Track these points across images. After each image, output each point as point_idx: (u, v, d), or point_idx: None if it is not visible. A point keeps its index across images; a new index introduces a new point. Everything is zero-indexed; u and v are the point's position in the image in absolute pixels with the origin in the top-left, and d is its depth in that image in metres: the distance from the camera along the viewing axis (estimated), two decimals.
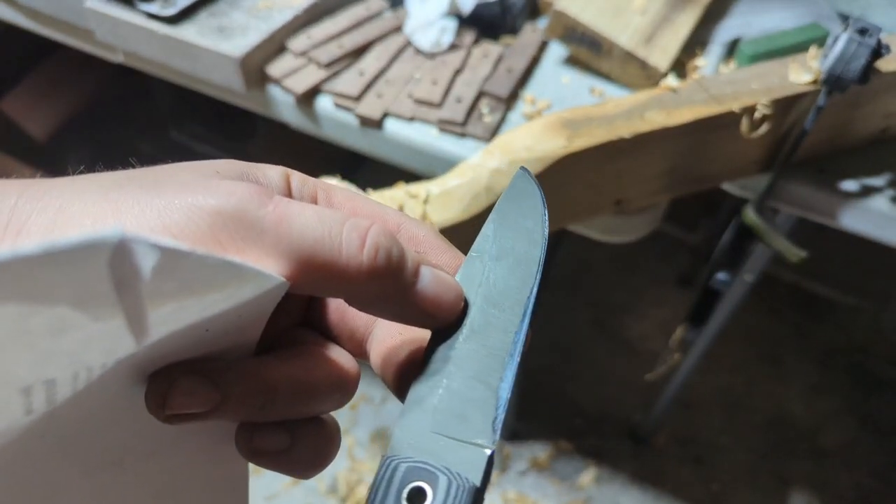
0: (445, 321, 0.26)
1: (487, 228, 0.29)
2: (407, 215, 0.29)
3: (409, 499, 0.22)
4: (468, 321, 0.26)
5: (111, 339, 0.19)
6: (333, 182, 0.28)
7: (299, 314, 0.29)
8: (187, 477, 0.29)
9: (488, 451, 0.23)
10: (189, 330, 0.21)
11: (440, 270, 0.26)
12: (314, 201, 0.27)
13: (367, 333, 0.29)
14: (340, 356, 0.27)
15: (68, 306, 0.17)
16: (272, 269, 0.22)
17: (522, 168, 0.30)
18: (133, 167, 0.24)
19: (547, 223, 0.28)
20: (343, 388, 0.27)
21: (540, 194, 0.29)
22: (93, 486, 0.25)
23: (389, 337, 0.28)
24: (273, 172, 0.26)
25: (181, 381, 0.22)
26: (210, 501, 0.30)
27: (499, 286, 0.27)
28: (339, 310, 0.29)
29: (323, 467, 0.27)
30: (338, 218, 0.23)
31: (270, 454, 0.25)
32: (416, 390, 0.25)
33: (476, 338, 0.26)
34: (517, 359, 0.25)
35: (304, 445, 0.26)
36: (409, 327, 0.28)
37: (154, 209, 0.21)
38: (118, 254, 0.17)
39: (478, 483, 0.23)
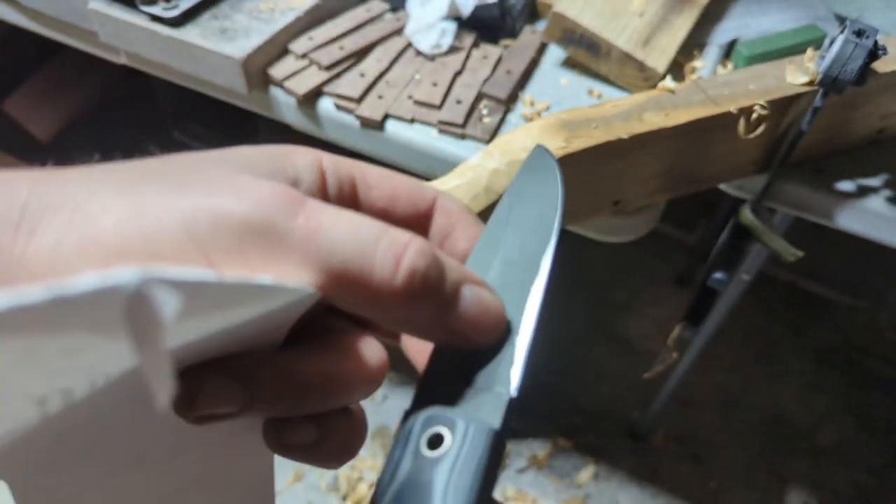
0: (485, 345, 0.25)
1: (507, 195, 0.29)
2: (441, 190, 0.29)
3: (429, 444, 0.22)
4: (487, 279, 0.26)
5: (126, 353, 0.18)
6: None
7: (325, 301, 0.28)
8: (212, 472, 0.28)
9: (506, 396, 0.23)
10: (215, 335, 0.21)
11: (482, 290, 0.25)
12: (350, 185, 0.26)
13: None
14: (369, 345, 0.26)
15: (83, 332, 0.16)
16: (301, 281, 0.21)
17: (539, 145, 0.30)
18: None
19: (563, 190, 0.28)
20: (372, 378, 0.25)
21: (556, 165, 0.29)
22: (115, 485, 0.25)
23: None
24: (305, 161, 0.25)
25: (210, 384, 0.22)
26: (236, 496, 0.30)
27: (516, 248, 0.27)
28: None
29: (351, 457, 0.26)
30: (373, 233, 0.22)
31: (300, 448, 0.25)
32: (437, 351, 0.25)
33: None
34: (536, 312, 0.25)
35: (333, 437, 0.25)
36: None
37: (178, 214, 0.20)
38: (136, 301, 0.15)
39: (497, 426, 0.22)
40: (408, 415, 0.23)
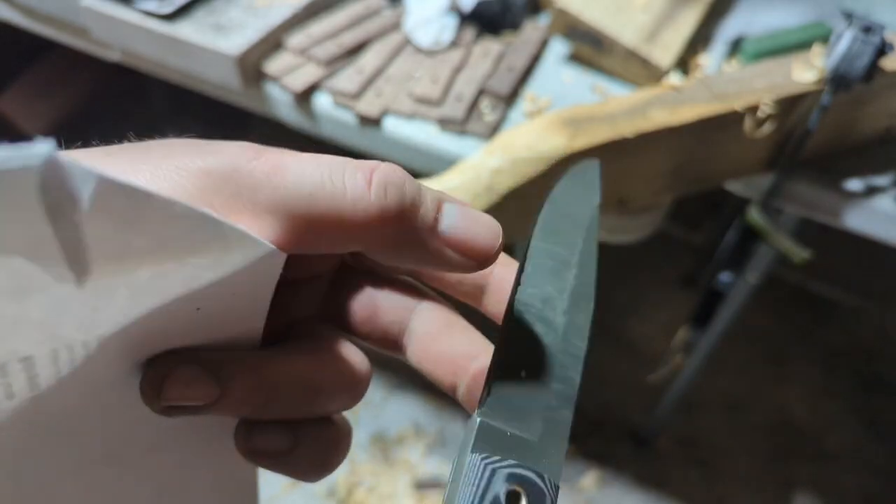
0: (484, 263, 0.23)
1: (536, 240, 0.27)
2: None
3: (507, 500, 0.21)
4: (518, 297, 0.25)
5: (81, 308, 0.17)
6: None
7: (314, 306, 0.27)
8: (192, 475, 0.27)
9: (554, 483, 0.22)
10: (178, 306, 0.20)
11: (468, 206, 0.23)
12: None
13: (403, 328, 0.27)
14: (352, 354, 0.25)
15: (22, 256, 0.15)
16: (266, 232, 0.20)
17: (592, 161, 0.29)
18: None
19: (596, 239, 0.27)
20: (352, 389, 0.25)
21: (595, 167, 0.28)
22: (89, 483, 0.24)
23: (430, 327, 0.26)
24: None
25: (178, 371, 0.21)
26: (217, 502, 0.29)
27: (550, 263, 0.25)
28: (370, 306, 0.27)
29: (327, 471, 0.25)
30: (339, 161, 0.21)
31: (270, 455, 0.24)
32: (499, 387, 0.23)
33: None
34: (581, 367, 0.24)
35: (307, 447, 0.24)
36: (447, 315, 0.26)
37: (142, 174, 0.19)
38: (49, 174, 0.14)
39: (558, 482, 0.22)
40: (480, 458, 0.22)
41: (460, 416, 1.51)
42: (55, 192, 0.14)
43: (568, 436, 0.23)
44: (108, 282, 0.17)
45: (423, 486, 1.42)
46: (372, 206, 0.21)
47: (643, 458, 1.52)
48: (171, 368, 0.21)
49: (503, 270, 0.25)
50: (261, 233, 0.20)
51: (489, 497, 0.21)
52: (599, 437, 1.55)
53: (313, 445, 0.24)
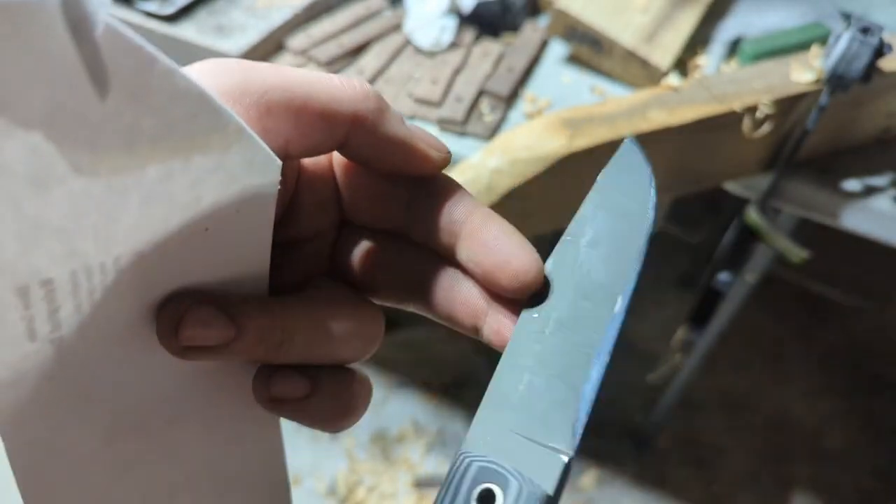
0: (448, 156, 0.26)
1: (586, 208, 0.26)
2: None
3: (479, 500, 0.21)
4: (556, 313, 0.24)
5: (97, 214, 0.18)
6: None
7: (321, 265, 0.27)
8: (218, 455, 0.28)
9: (565, 458, 0.22)
10: (187, 224, 0.20)
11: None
12: None
13: (412, 281, 0.27)
14: (362, 301, 0.26)
15: (42, 132, 0.16)
16: (270, 134, 0.21)
17: (630, 140, 0.28)
18: None
19: (654, 204, 0.26)
20: (365, 335, 0.26)
21: (648, 171, 0.27)
22: (117, 457, 0.24)
23: (439, 277, 0.26)
24: None
25: (195, 310, 0.22)
26: (247, 484, 0.29)
27: (593, 276, 0.25)
28: (375, 262, 0.27)
29: (348, 420, 0.25)
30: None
31: (289, 402, 0.24)
32: (497, 383, 0.23)
33: (564, 331, 0.24)
34: (606, 358, 0.24)
35: (325, 394, 0.25)
36: (453, 268, 0.26)
37: None
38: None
39: (550, 492, 0.21)
40: (463, 455, 0.22)
41: (460, 415, 1.51)
42: (74, 10, 0.15)
43: (581, 411, 0.23)
44: (121, 181, 0.18)
45: (423, 484, 1.42)
46: (358, 88, 0.23)
47: (642, 458, 1.53)
48: (187, 307, 0.22)
49: (479, 218, 0.25)
50: (265, 135, 0.21)
51: (460, 499, 0.21)
52: (598, 436, 1.55)
53: (332, 392, 0.25)
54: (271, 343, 0.23)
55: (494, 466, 0.21)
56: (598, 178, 0.27)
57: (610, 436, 1.55)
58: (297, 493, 1.40)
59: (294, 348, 0.23)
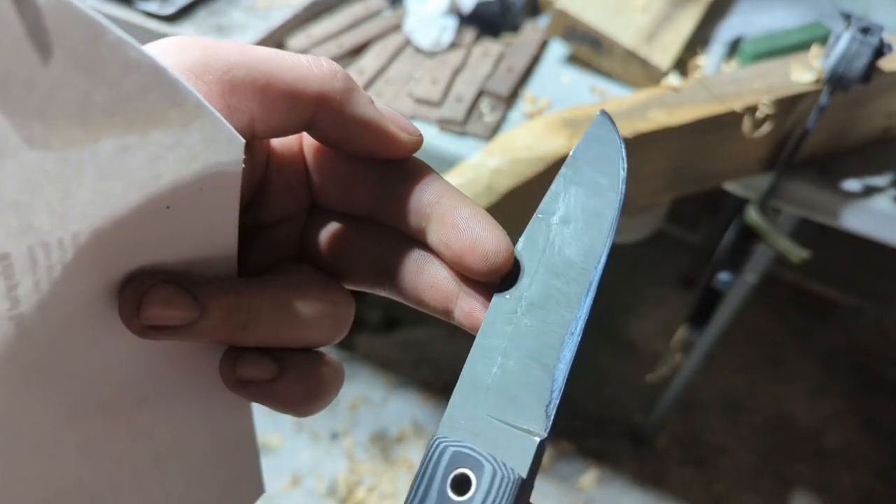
0: (419, 139, 0.26)
1: (557, 184, 0.26)
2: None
3: (453, 485, 0.21)
4: (527, 293, 0.24)
5: (52, 189, 0.18)
6: None
7: (290, 249, 0.27)
8: (187, 434, 0.27)
9: (538, 439, 0.22)
10: (147, 201, 0.20)
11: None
12: None
13: (382, 266, 0.26)
14: (332, 283, 0.26)
15: None
16: (234, 113, 0.21)
17: (601, 112, 0.27)
18: None
19: (625, 179, 0.25)
20: (334, 318, 0.25)
21: (619, 144, 0.26)
22: (83, 438, 0.24)
23: (410, 261, 0.26)
24: None
25: (157, 289, 0.21)
26: (217, 464, 0.29)
27: (563, 254, 0.25)
28: (346, 247, 0.27)
29: (316, 404, 0.25)
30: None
31: (256, 384, 0.24)
32: (471, 366, 0.23)
33: (535, 312, 0.24)
34: (578, 338, 0.24)
35: (292, 377, 0.24)
36: (423, 251, 0.26)
37: None
38: None
39: (524, 474, 0.21)
40: (437, 440, 0.22)
41: None
42: None
43: (553, 389, 0.23)
44: (75, 155, 0.18)
45: None
46: (325, 67, 0.23)
47: (642, 457, 1.53)
48: (150, 286, 0.21)
49: (450, 201, 0.25)
50: (229, 112, 0.21)
51: (436, 484, 0.21)
52: (598, 436, 1.55)
53: (299, 375, 0.24)
54: (236, 324, 0.23)
55: (468, 451, 0.21)
56: (571, 152, 0.26)
57: (609, 435, 1.55)
58: (297, 493, 1.40)
59: (259, 330, 0.23)
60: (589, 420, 1.57)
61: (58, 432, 0.23)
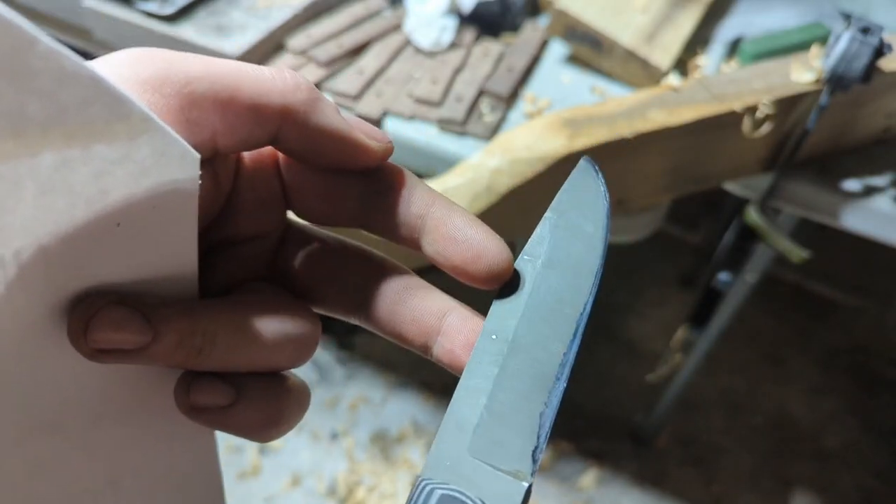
0: (389, 147, 0.25)
1: (542, 228, 0.26)
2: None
3: None
4: (513, 334, 0.24)
5: None
6: None
7: (260, 268, 0.26)
8: (144, 455, 0.26)
9: (526, 484, 0.22)
10: (95, 218, 0.19)
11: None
12: None
13: (359, 293, 0.26)
14: (298, 307, 0.25)
15: None
16: (192, 127, 0.21)
17: (585, 159, 0.27)
18: None
19: (608, 226, 0.26)
20: (298, 342, 0.24)
21: (603, 192, 0.26)
22: (31, 457, 0.23)
23: (390, 290, 0.26)
24: None
25: (107, 310, 0.20)
26: (176, 485, 0.28)
27: (549, 298, 0.25)
28: (322, 271, 0.26)
29: (276, 430, 0.24)
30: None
31: (210, 410, 0.23)
32: (456, 407, 0.23)
33: (521, 355, 0.24)
34: (564, 383, 0.24)
35: (250, 403, 0.23)
36: (407, 277, 0.26)
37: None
38: None
39: None
40: (423, 482, 0.22)
41: None
42: None
43: (540, 430, 0.23)
44: (12, 169, 0.17)
45: None
46: (289, 79, 0.22)
47: (642, 457, 1.53)
48: (99, 307, 0.20)
49: (440, 210, 0.24)
50: (190, 127, 0.21)
51: None
52: (598, 436, 1.55)
53: (258, 401, 0.23)
54: (191, 349, 0.22)
55: (457, 494, 0.21)
56: (556, 197, 0.26)
57: (609, 435, 1.55)
58: (297, 493, 1.40)
59: (216, 354, 0.22)
60: (589, 420, 1.57)
61: (4, 452, 0.22)
